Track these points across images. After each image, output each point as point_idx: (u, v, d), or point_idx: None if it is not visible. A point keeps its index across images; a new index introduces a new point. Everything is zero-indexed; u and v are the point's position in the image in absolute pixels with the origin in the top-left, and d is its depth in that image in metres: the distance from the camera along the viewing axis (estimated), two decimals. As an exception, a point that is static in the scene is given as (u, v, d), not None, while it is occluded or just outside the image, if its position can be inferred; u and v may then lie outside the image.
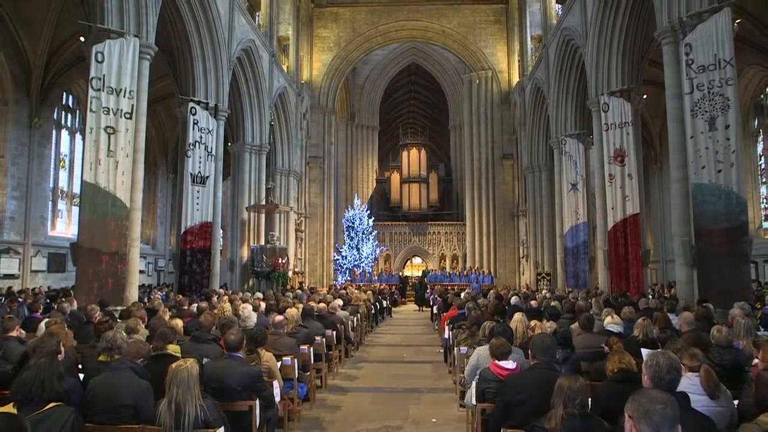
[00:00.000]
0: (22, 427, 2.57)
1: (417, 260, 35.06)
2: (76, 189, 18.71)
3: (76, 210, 17.52)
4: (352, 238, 30.19)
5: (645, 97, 15.55)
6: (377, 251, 31.33)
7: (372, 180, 35.61)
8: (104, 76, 10.94)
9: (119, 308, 9.56)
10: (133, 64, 11.35)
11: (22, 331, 5.91)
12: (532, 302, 10.55)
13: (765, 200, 19.70)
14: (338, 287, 21.84)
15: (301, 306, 9.07)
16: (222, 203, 17.19)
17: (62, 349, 4.31)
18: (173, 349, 4.93)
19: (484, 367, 4.81)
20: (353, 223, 30.38)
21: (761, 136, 19.76)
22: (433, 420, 6.55)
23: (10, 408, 3.07)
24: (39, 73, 17.33)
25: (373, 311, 16.89)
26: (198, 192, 15.32)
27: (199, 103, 15.57)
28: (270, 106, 21.49)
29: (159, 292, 16.50)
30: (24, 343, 5.31)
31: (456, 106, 32.95)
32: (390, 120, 39.72)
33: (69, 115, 20.11)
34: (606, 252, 14.92)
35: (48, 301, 13.09)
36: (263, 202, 20.18)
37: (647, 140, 22.83)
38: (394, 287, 26.38)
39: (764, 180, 19.74)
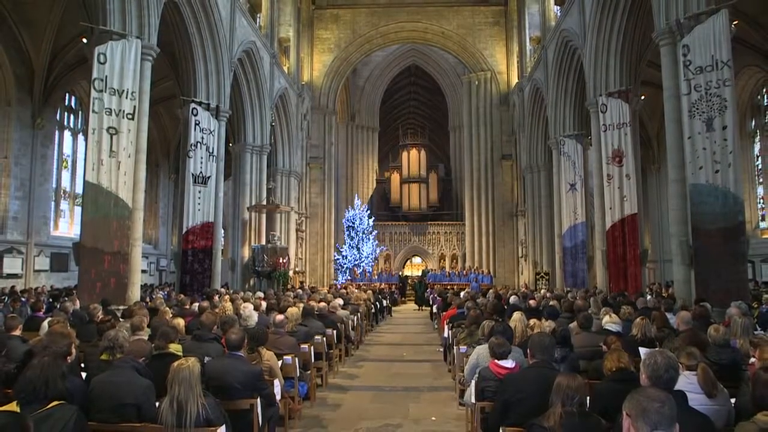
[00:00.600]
0: (25, 426, 2.62)
1: (417, 260, 35.14)
2: (79, 189, 18.77)
3: (78, 210, 17.58)
4: (352, 238, 30.26)
5: (643, 98, 15.61)
6: (377, 251, 31.39)
7: (372, 180, 35.67)
8: (106, 77, 11.00)
9: (121, 307, 9.63)
10: (135, 66, 11.41)
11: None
12: (531, 301, 10.61)
13: (762, 200, 19.76)
14: (339, 287, 21.90)
15: (301, 305, 9.14)
16: (223, 203, 17.27)
17: (73, 350, 4.34)
18: (175, 348, 4.98)
19: (484, 366, 4.87)
20: (353, 223, 30.44)
21: (758, 137, 19.83)
22: (433, 418, 6.61)
23: (13, 406, 3.09)
24: (42, 74, 17.40)
25: (373, 310, 16.96)
26: (199, 192, 15.39)
27: (200, 104, 15.63)
28: (271, 106, 21.55)
29: (161, 292, 16.57)
30: (27, 342, 5.36)
31: (455, 107, 33.00)
32: (390, 121, 39.79)
33: (71, 116, 20.19)
34: (604, 252, 14.97)
35: (51, 300, 13.16)
36: (264, 203, 20.25)
37: (645, 141, 22.89)
38: (393, 287, 26.46)
39: (761, 180, 19.80)
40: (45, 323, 6.54)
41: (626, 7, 14.51)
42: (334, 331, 9.27)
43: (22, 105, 17.14)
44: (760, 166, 19.84)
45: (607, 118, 14.71)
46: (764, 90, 19.44)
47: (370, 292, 18.46)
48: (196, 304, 9.20)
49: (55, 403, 3.14)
